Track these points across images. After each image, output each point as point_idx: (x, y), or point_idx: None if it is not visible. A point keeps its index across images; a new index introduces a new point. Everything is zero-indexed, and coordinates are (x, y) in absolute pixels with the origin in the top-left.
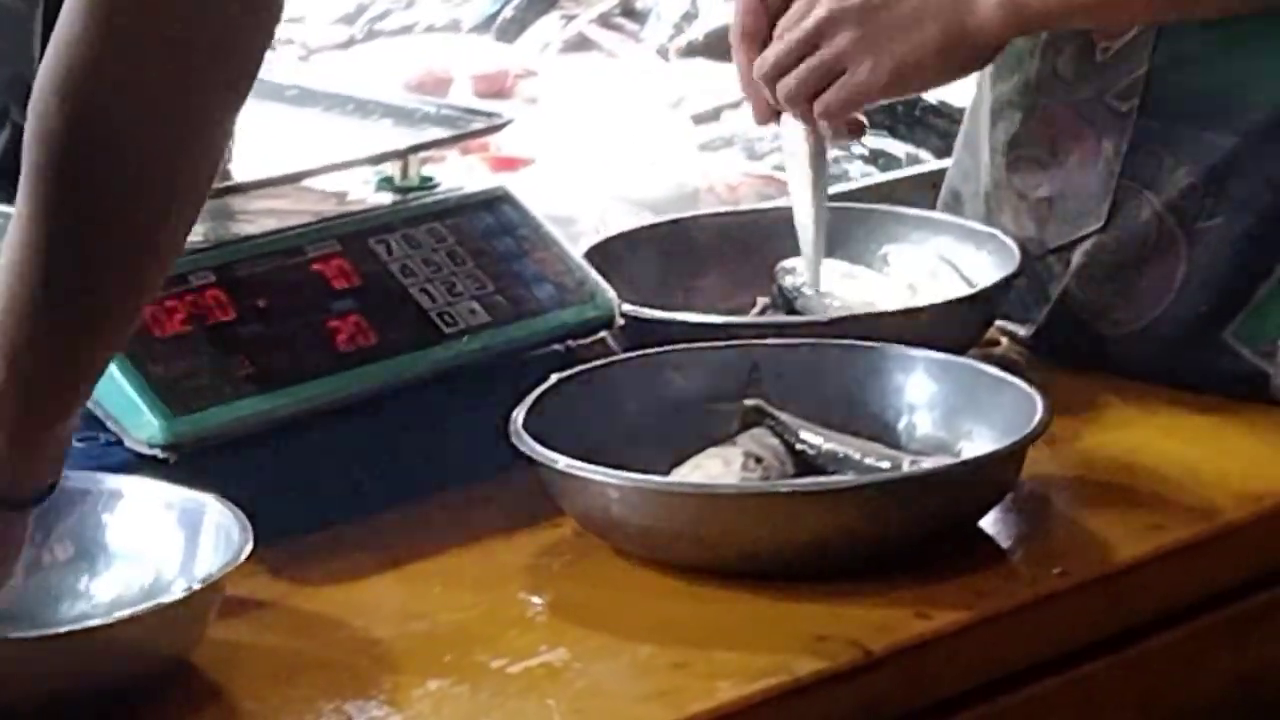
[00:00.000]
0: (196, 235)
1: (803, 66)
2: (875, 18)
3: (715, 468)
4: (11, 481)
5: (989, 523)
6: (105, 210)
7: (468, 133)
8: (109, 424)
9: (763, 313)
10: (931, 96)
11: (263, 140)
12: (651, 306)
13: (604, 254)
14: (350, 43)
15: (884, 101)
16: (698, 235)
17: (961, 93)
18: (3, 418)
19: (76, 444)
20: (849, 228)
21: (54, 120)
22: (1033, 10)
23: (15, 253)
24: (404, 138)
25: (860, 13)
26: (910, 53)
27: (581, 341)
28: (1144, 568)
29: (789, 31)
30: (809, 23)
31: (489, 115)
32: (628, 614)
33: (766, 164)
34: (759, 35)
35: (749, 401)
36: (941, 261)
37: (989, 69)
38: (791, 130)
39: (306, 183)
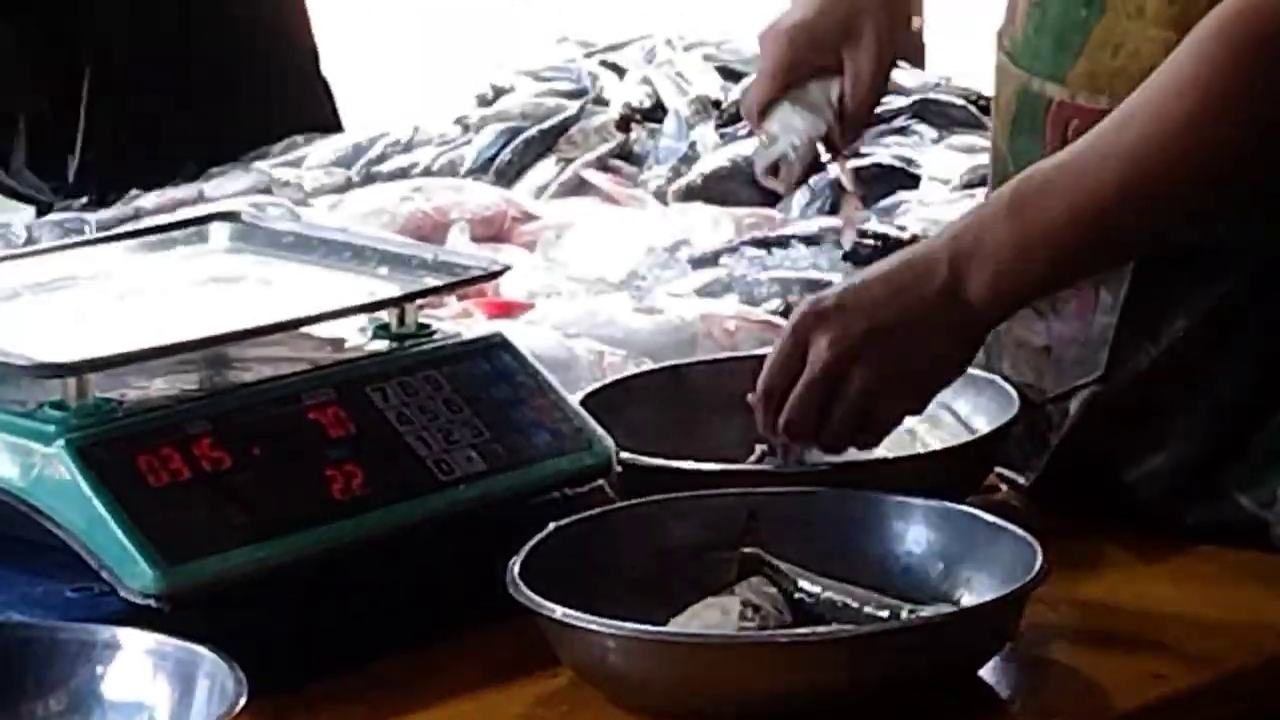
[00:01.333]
0: (191, 384)
1: (834, 419)
2: (888, 357)
3: (713, 617)
4: None
5: (988, 672)
6: None
7: (464, 280)
8: (103, 574)
9: (760, 460)
10: None
11: (259, 288)
12: (649, 454)
13: (602, 401)
14: (348, 185)
15: None
16: (695, 382)
17: None
18: None
19: (69, 594)
20: None
21: None
22: (1023, 289)
23: None
24: (400, 285)
25: (870, 361)
26: (936, 376)
27: (579, 489)
28: (1144, 717)
29: (803, 388)
30: (821, 372)
31: (485, 263)
32: None
33: (765, 309)
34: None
35: (747, 550)
36: (940, 408)
37: None
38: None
39: (303, 330)
